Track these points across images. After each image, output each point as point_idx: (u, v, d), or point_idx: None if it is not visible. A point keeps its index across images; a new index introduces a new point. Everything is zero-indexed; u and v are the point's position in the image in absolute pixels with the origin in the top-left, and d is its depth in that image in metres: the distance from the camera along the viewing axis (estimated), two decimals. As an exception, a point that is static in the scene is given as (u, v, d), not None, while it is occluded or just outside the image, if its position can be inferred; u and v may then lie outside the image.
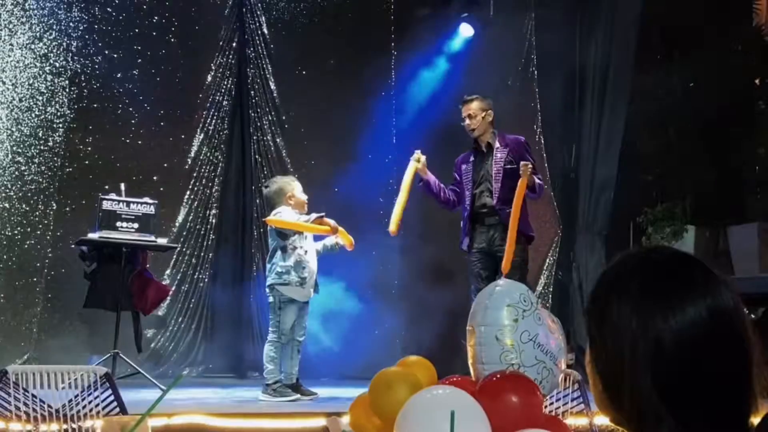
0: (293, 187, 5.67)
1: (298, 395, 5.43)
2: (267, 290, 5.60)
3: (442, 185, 5.93)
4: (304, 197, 5.69)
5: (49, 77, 6.90)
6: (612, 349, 1.11)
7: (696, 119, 7.87)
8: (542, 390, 2.43)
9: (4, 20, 6.76)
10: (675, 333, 1.07)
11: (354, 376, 7.12)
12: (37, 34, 6.89)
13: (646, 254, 1.19)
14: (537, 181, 5.63)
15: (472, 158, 5.91)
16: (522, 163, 5.53)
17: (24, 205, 6.73)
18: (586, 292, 8.06)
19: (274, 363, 5.43)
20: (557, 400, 3.06)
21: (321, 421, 4.26)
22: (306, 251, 5.58)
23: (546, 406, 2.79)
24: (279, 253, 5.53)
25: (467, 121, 5.84)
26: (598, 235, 8.19)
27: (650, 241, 7.96)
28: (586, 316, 1.19)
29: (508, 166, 5.70)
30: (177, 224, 7.28)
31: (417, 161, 5.73)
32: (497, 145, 5.81)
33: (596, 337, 1.15)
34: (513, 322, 2.57)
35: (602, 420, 3.07)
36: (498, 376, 2.28)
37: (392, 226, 5.66)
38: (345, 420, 2.39)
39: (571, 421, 3.03)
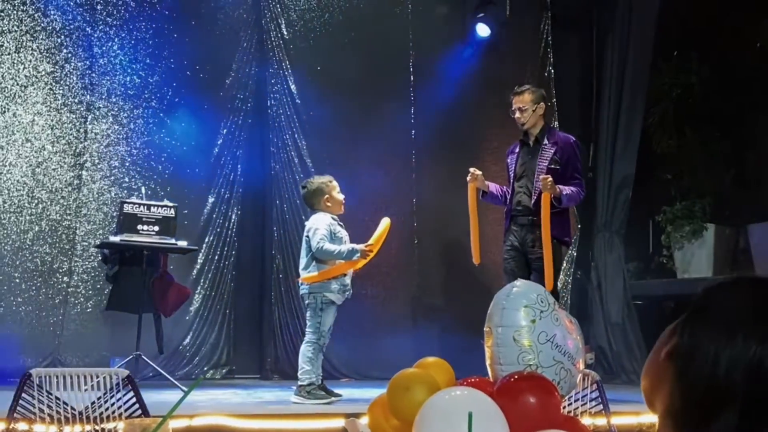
0: (331, 188, 5.65)
1: (332, 397, 5.41)
2: (304, 294, 5.58)
3: (504, 188, 5.87)
4: (341, 197, 5.68)
5: (70, 80, 6.97)
6: (712, 336, 1.11)
7: (715, 117, 7.83)
8: (560, 390, 2.43)
9: (26, 25, 6.83)
10: None
11: (372, 377, 7.14)
12: (60, 38, 6.95)
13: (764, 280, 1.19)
14: (567, 191, 5.51)
15: (517, 150, 5.83)
16: (542, 177, 5.46)
17: (45, 208, 6.80)
18: (605, 291, 8.04)
19: (311, 364, 5.41)
20: (576, 401, 3.06)
21: (340, 422, 4.28)
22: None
23: (564, 407, 2.80)
24: (318, 261, 5.50)
25: (517, 114, 5.72)
26: (617, 234, 8.17)
27: (669, 240, 7.93)
28: (707, 291, 1.18)
29: (553, 167, 5.60)
30: (199, 226, 7.32)
31: (474, 179, 5.70)
32: (546, 141, 5.70)
33: (704, 316, 1.14)
34: (530, 323, 2.58)
35: (620, 420, 3.07)
36: (516, 376, 2.29)
37: (475, 258, 5.81)
38: (363, 421, 2.40)
39: (589, 421, 3.03)
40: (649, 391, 1.19)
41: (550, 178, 5.44)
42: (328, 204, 5.63)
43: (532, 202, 5.61)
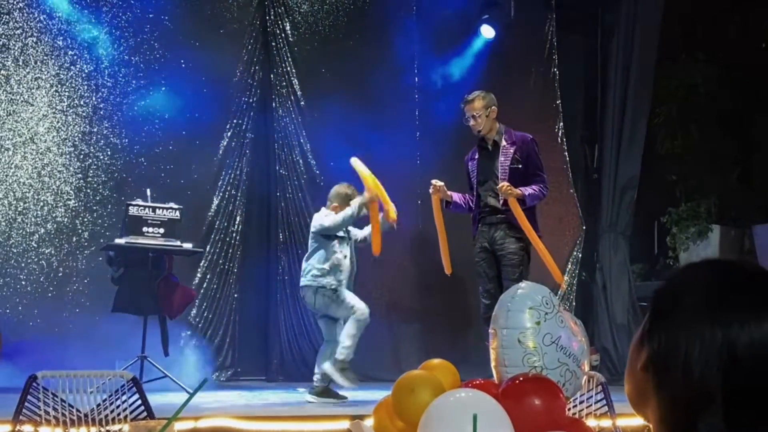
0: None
1: (345, 397, 5.50)
2: (302, 292, 5.63)
3: (466, 196, 5.94)
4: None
5: (75, 82, 6.98)
6: (678, 336, 1.10)
7: (720, 117, 7.82)
8: (565, 392, 2.43)
9: (31, 27, 6.83)
10: (749, 344, 1.06)
11: (377, 379, 7.14)
12: (65, 41, 6.96)
13: (735, 264, 1.18)
14: (528, 191, 5.57)
15: (476, 156, 5.88)
16: (498, 187, 5.54)
17: (51, 210, 6.82)
18: (610, 293, 8.03)
19: (353, 339, 5.51)
20: (580, 402, 3.06)
21: (344, 424, 4.28)
22: (345, 256, 5.65)
23: (569, 409, 2.79)
24: (318, 253, 5.58)
25: (471, 122, 5.76)
26: (622, 235, 8.15)
27: (675, 241, 7.92)
28: (658, 292, 1.18)
29: (515, 166, 5.66)
30: (203, 228, 7.32)
31: (437, 191, 5.77)
32: (504, 143, 5.74)
33: (663, 318, 1.14)
34: (535, 325, 2.58)
35: (625, 422, 3.07)
36: (521, 378, 2.29)
37: (447, 269, 5.89)
38: (368, 423, 2.40)
39: (594, 423, 3.03)
40: (634, 401, 1.18)
41: (506, 184, 5.50)
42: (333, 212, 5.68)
43: (500, 202, 5.66)
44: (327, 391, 5.54)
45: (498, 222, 5.71)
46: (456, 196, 5.89)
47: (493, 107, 5.77)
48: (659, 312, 1.15)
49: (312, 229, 5.69)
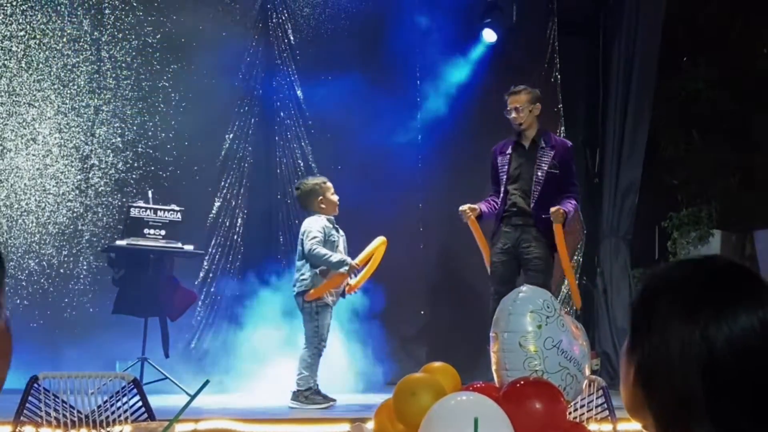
0: (325, 189, 5.63)
1: (330, 402, 5.41)
2: (296, 298, 5.59)
3: (490, 200, 5.75)
4: (335, 198, 5.67)
5: (77, 83, 6.99)
6: (658, 345, 1.11)
7: (722, 122, 7.82)
8: (566, 396, 2.43)
9: (33, 29, 6.85)
10: (727, 339, 1.07)
11: (379, 381, 7.13)
12: (67, 42, 6.97)
13: (704, 261, 1.19)
14: (570, 212, 5.45)
15: (510, 150, 5.67)
16: (552, 210, 5.34)
17: (53, 212, 6.82)
18: (611, 297, 8.02)
19: (309, 369, 5.40)
20: (581, 407, 3.06)
21: (345, 427, 4.28)
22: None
23: (570, 413, 2.80)
24: (310, 267, 5.52)
25: (513, 114, 5.56)
26: (623, 240, 8.15)
27: (676, 246, 7.92)
28: (633, 306, 1.19)
29: (553, 171, 5.50)
30: (205, 231, 7.32)
31: (471, 214, 5.54)
32: (543, 144, 5.58)
33: (642, 330, 1.15)
34: (536, 329, 2.58)
35: (626, 426, 3.07)
36: (522, 382, 2.29)
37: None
38: (369, 426, 2.40)
39: (594, 427, 3.03)
40: (633, 413, 1.19)
41: (554, 210, 5.36)
42: (322, 206, 5.62)
43: (532, 204, 5.50)
44: (311, 396, 5.40)
45: (525, 224, 5.53)
46: (483, 207, 5.65)
47: (537, 104, 5.62)
48: (638, 325, 1.16)
49: (303, 244, 5.53)
